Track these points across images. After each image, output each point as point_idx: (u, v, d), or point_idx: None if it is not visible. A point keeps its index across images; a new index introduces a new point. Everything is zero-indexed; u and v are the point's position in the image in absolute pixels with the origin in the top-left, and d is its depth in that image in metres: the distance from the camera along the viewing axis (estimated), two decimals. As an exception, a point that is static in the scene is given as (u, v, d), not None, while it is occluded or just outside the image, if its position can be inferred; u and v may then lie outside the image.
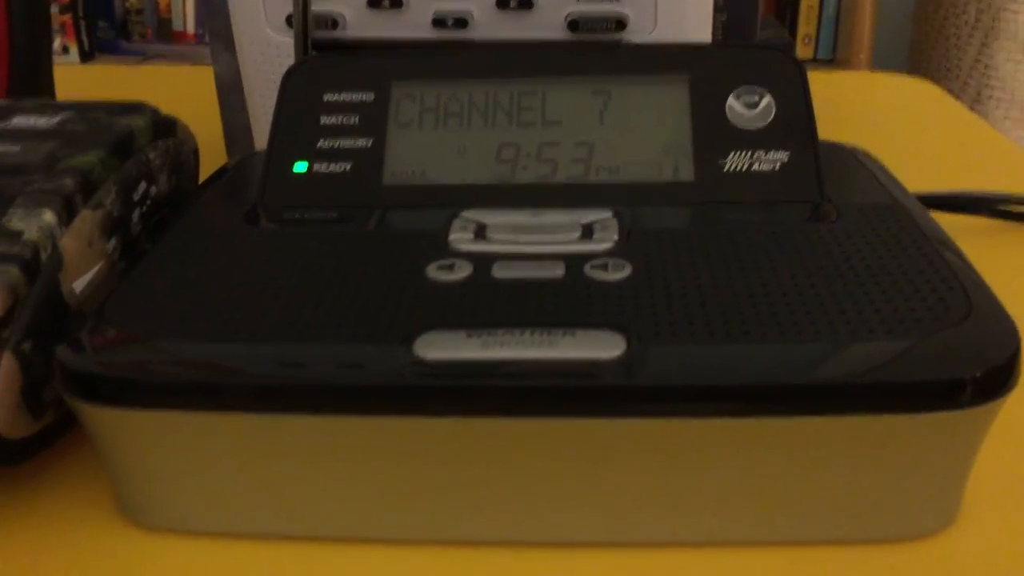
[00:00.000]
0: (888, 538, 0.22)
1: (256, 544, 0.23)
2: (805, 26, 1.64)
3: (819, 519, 0.22)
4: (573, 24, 0.35)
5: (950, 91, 1.36)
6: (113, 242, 0.27)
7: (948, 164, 0.47)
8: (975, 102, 1.27)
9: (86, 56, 1.69)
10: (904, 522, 0.22)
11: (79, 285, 0.25)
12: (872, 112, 0.56)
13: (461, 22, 0.36)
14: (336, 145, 0.30)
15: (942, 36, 1.40)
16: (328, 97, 0.30)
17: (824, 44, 1.64)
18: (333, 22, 0.36)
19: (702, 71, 0.30)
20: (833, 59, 1.64)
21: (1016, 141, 1.21)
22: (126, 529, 0.23)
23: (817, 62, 1.64)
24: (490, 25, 0.36)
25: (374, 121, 0.30)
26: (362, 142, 0.30)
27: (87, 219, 0.26)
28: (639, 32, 0.35)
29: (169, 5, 1.73)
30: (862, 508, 0.22)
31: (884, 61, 1.60)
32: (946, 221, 0.38)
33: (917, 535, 0.22)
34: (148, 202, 0.29)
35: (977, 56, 1.26)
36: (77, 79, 0.64)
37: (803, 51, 1.65)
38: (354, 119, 0.30)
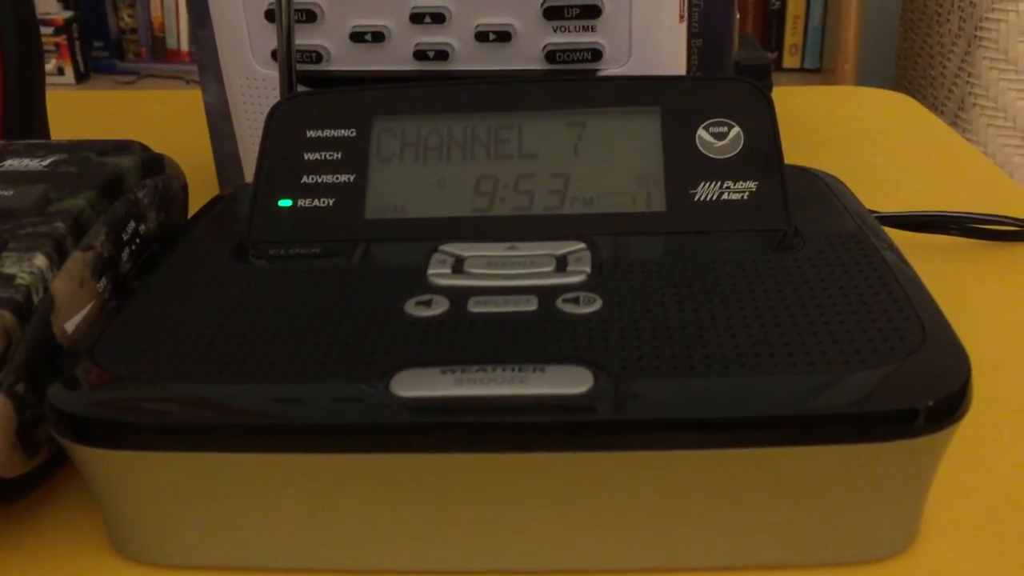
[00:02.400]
0: (849, 561, 0.23)
1: None
2: (791, 36, 1.65)
3: (778, 544, 0.23)
4: (550, 55, 0.36)
5: (935, 99, 1.38)
6: (103, 282, 0.27)
7: (925, 181, 0.48)
8: (960, 110, 1.28)
9: (81, 77, 1.71)
10: (865, 545, 0.23)
11: (71, 325, 0.26)
12: (851, 129, 0.56)
13: (442, 55, 0.37)
14: (320, 181, 0.30)
15: (926, 45, 1.42)
16: (311, 134, 0.31)
17: (811, 54, 1.66)
18: (317, 56, 0.37)
19: (673, 103, 0.30)
20: (819, 68, 1.66)
21: (1000, 149, 1.22)
22: (119, 564, 0.24)
23: (804, 71, 1.66)
24: (470, 57, 0.37)
25: (356, 156, 0.31)
26: (344, 177, 0.30)
27: (78, 260, 0.27)
28: (615, 62, 0.36)
29: (163, 24, 1.74)
30: (821, 532, 0.22)
31: (870, 70, 1.62)
32: (918, 240, 0.39)
33: (878, 558, 0.23)
34: (137, 240, 0.30)
35: (961, 64, 1.27)
36: (71, 106, 0.65)
37: (789, 61, 1.66)
38: (337, 155, 0.31)
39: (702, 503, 0.22)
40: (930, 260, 0.37)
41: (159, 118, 0.62)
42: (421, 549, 0.23)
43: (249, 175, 0.41)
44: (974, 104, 1.23)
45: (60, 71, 1.67)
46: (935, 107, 1.37)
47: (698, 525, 0.22)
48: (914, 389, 0.21)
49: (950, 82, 1.30)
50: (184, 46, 1.74)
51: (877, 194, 0.44)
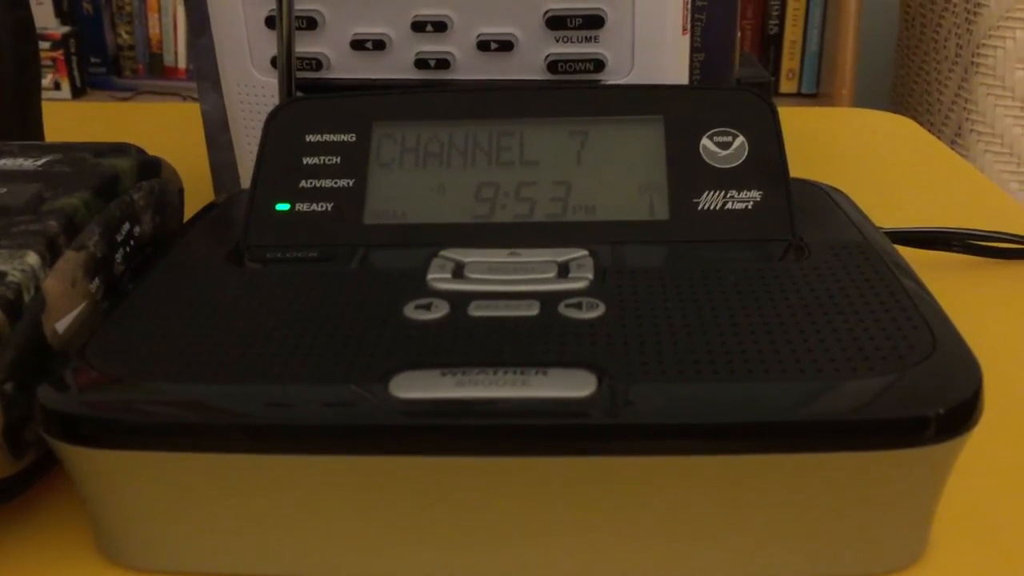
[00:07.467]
0: (857, 574, 0.22)
1: (234, 582, 0.23)
2: (789, 61, 1.66)
3: (785, 555, 0.22)
4: (552, 66, 0.35)
5: (932, 125, 1.38)
6: (96, 282, 0.27)
7: (925, 200, 0.48)
8: (956, 136, 1.28)
9: (78, 92, 1.70)
10: (872, 558, 0.22)
11: (62, 326, 0.25)
12: (852, 148, 0.56)
13: (443, 63, 0.36)
14: (318, 185, 0.30)
15: (923, 71, 1.42)
16: (310, 138, 0.31)
17: (808, 79, 1.67)
18: (317, 63, 0.37)
19: (676, 112, 0.30)
20: (816, 94, 1.66)
21: (997, 175, 1.22)
22: (106, 569, 0.24)
23: (801, 96, 1.67)
24: (471, 66, 0.36)
25: (355, 161, 0.30)
26: (343, 182, 0.30)
27: (70, 260, 0.26)
28: (617, 73, 0.35)
29: (160, 41, 1.74)
30: (829, 544, 0.22)
31: (866, 96, 1.62)
32: (920, 256, 0.39)
33: (886, 570, 0.23)
34: (132, 242, 0.29)
35: (957, 91, 1.28)
36: (68, 116, 0.65)
37: (787, 86, 1.67)
38: (336, 160, 0.30)
39: (706, 511, 0.21)
40: (932, 276, 0.37)
41: (156, 129, 0.62)
42: (418, 555, 0.22)
43: (246, 183, 0.41)
44: (971, 131, 1.24)
45: (56, 86, 1.66)
46: (932, 133, 1.37)
47: (702, 534, 0.22)
48: (925, 397, 0.21)
49: (947, 108, 1.31)
50: (181, 63, 1.74)
51: (878, 210, 0.44)
